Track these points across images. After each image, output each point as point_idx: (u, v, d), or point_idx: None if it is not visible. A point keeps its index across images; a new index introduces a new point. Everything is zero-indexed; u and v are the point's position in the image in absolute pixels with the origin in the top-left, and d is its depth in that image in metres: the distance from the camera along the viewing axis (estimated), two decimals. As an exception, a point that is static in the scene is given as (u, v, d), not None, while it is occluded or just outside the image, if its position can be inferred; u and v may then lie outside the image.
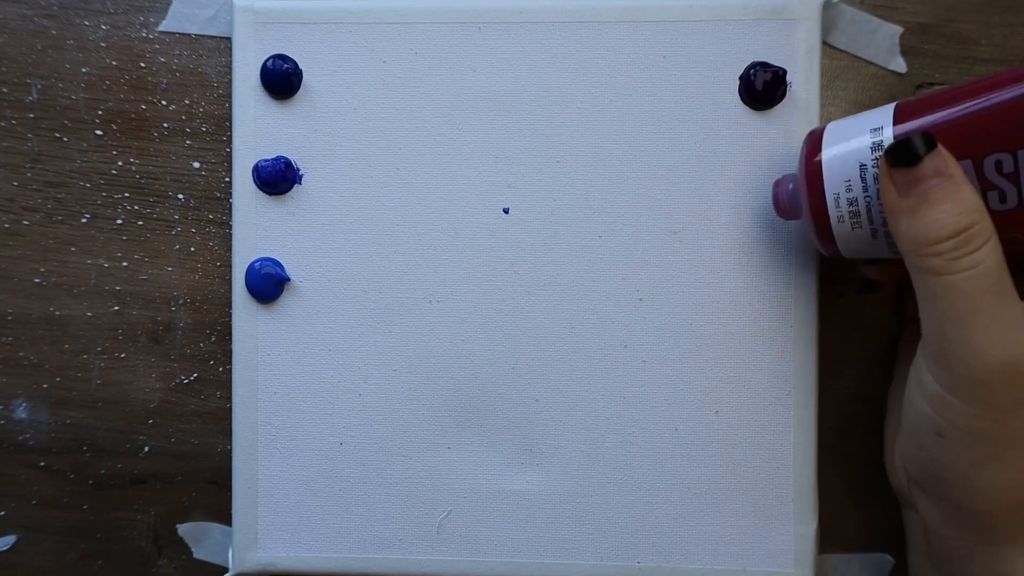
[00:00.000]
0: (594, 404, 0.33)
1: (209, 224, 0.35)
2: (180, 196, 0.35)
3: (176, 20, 0.35)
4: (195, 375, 0.35)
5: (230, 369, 0.34)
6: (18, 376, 0.36)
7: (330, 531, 0.34)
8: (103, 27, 0.35)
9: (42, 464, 0.36)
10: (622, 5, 0.33)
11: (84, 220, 0.35)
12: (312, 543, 0.34)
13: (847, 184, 0.27)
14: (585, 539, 0.33)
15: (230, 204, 0.35)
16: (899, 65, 0.33)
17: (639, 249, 0.33)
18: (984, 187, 0.25)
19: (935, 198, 0.24)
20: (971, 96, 0.25)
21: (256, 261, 0.33)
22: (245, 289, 0.33)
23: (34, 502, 0.36)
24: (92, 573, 0.36)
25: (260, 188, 0.33)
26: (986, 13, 0.33)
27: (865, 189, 0.26)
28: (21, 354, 0.36)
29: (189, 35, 0.35)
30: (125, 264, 0.35)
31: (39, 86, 0.35)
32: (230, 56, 0.34)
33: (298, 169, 0.34)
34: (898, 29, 0.33)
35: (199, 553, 0.36)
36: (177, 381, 0.36)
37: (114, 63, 0.35)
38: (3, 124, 0.35)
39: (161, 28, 0.35)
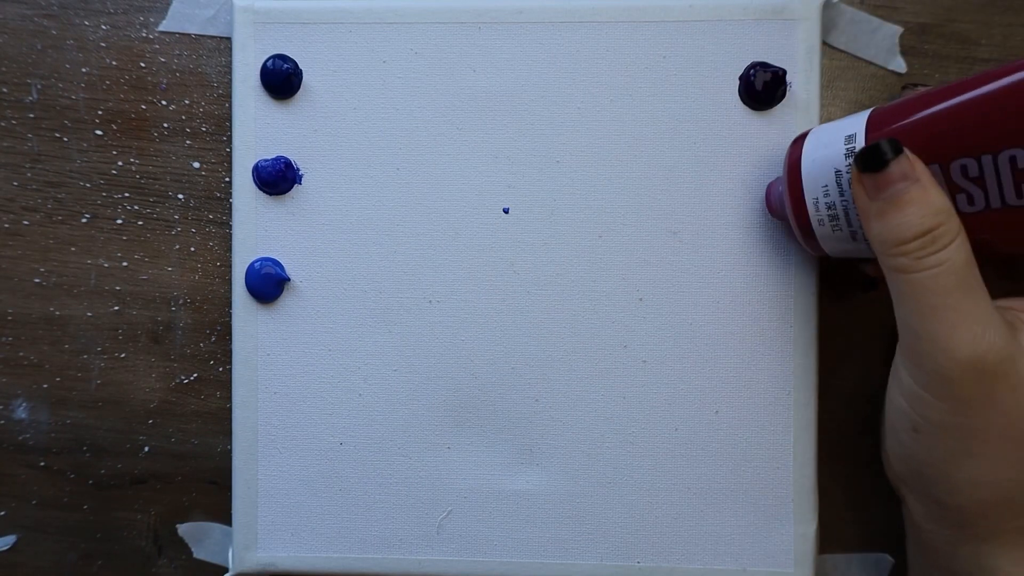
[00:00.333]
0: (594, 404, 0.33)
1: (209, 224, 0.35)
2: (180, 196, 0.35)
3: (176, 20, 0.35)
4: (195, 375, 0.35)
5: (230, 369, 0.34)
6: (18, 376, 0.36)
7: (330, 531, 0.34)
8: (103, 27, 0.35)
9: (42, 464, 0.36)
10: (622, 5, 0.33)
11: (84, 220, 0.35)
12: (312, 543, 0.34)
13: (824, 189, 0.27)
14: (585, 539, 0.33)
15: (230, 204, 0.35)
16: (899, 65, 0.33)
17: (639, 249, 0.33)
18: (952, 190, 0.25)
19: (902, 201, 0.25)
20: (939, 101, 0.25)
21: (256, 261, 0.33)
22: (245, 289, 0.33)
23: (34, 502, 0.36)
24: (92, 573, 0.36)
25: (260, 188, 0.33)
26: (986, 13, 0.33)
27: (842, 194, 0.27)
28: (21, 354, 0.36)
29: (189, 35, 0.35)
30: (125, 264, 0.35)
31: (39, 86, 0.35)
32: (230, 56, 0.34)
33: (298, 169, 0.34)
34: (898, 29, 0.33)
35: (199, 553, 0.36)
36: (177, 381, 0.36)
37: (114, 63, 0.35)
38: (3, 124, 0.35)
39: (161, 28, 0.35)
